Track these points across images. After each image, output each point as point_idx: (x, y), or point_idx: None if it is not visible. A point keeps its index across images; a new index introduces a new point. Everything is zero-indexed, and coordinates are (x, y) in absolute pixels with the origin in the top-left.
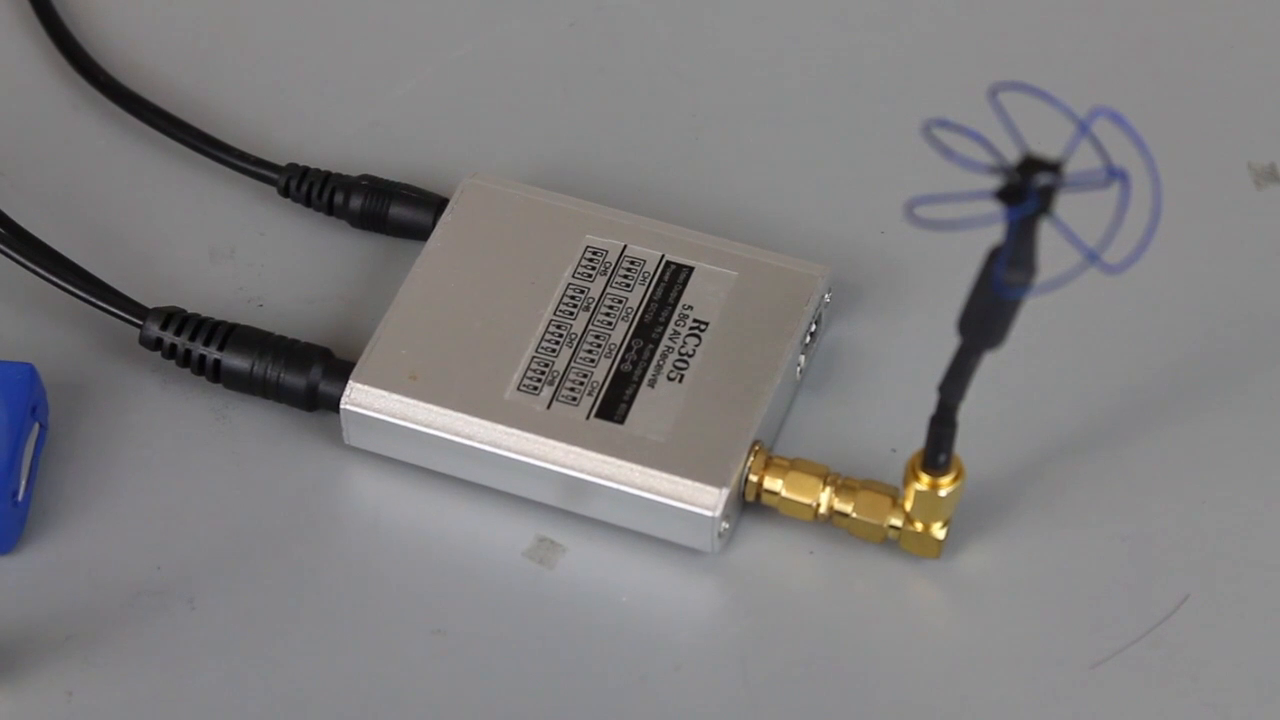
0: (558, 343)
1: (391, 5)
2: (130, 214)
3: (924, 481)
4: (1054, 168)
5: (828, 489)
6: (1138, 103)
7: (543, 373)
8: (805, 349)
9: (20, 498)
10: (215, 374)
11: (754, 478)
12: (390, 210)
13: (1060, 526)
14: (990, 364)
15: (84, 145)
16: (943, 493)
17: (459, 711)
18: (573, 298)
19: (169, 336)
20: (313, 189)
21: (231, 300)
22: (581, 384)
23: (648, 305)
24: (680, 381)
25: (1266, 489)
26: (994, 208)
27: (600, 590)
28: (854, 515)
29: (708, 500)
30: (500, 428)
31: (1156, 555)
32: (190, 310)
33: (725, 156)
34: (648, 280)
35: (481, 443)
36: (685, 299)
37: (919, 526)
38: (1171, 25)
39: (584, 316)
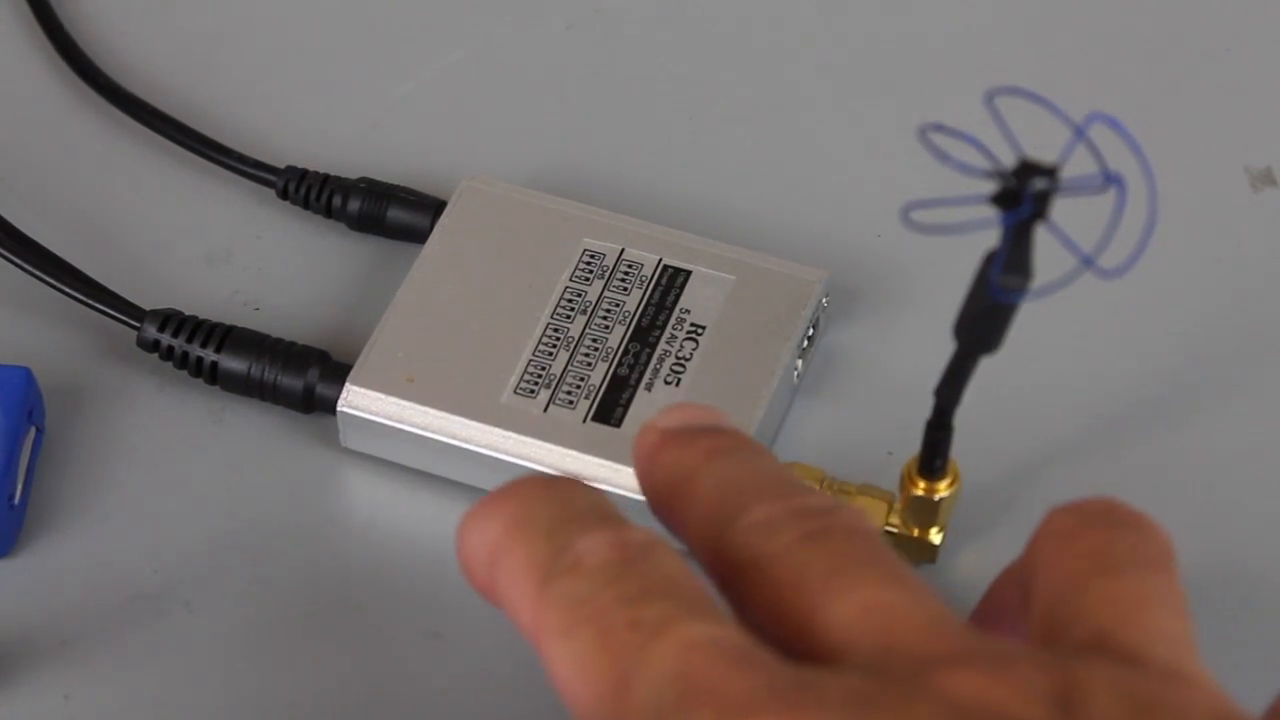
0: (555, 346)
1: (389, 8)
2: (128, 216)
3: (920, 486)
4: (1050, 172)
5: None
6: (1134, 106)
7: (540, 376)
8: (802, 353)
9: (16, 501)
10: (212, 376)
11: None
12: (388, 213)
13: None
14: (986, 368)
15: (82, 147)
16: (939, 497)
17: (456, 714)
18: (570, 301)
19: (166, 338)
20: (311, 191)
21: (229, 302)
22: (578, 387)
23: (645, 309)
24: (677, 385)
25: (1266, 491)
26: (990, 212)
27: None
28: None
29: None
30: (497, 431)
31: None
32: (187, 313)
33: (722, 160)
34: (645, 284)
35: (478, 446)
36: (682, 302)
37: (915, 531)
38: (1169, 28)
39: (581, 320)
